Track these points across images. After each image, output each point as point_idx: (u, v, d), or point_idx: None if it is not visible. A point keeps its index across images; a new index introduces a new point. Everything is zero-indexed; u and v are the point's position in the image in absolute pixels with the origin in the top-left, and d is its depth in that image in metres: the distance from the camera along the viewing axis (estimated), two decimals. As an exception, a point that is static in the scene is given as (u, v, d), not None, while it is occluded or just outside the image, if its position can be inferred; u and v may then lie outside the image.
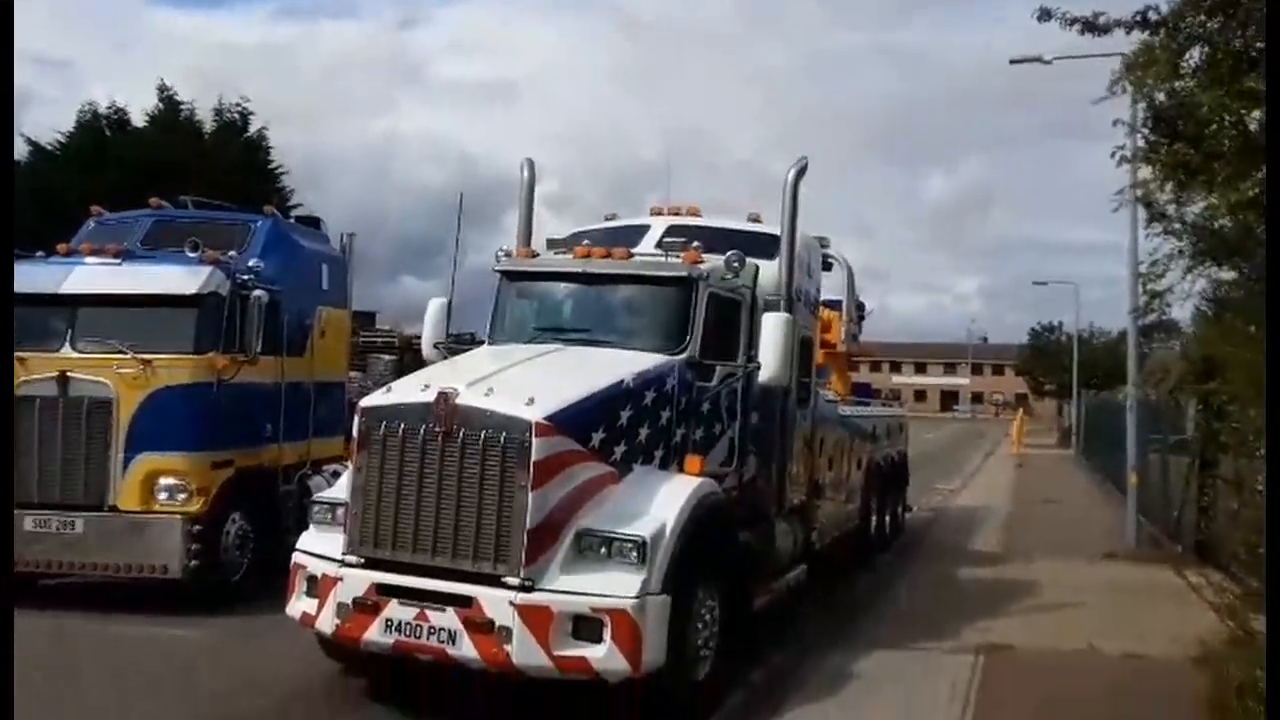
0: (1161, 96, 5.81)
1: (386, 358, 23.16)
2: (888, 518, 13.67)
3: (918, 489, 16.90)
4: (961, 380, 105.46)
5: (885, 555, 12.90)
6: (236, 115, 28.52)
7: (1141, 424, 14.70)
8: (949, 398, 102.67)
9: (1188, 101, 5.61)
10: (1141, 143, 6.20)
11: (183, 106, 27.89)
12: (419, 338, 8.67)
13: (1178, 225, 6.21)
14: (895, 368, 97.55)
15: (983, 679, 7.26)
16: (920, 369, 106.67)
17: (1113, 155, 6.66)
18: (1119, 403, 21.12)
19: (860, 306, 13.98)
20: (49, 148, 26.31)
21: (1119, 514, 15.91)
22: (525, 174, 9.22)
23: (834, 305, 12.46)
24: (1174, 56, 5.59)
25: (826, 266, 10.80)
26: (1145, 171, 6.29)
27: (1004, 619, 9.23)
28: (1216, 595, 9.54)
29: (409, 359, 19.53)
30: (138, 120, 27.49)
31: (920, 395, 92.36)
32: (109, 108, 27.37)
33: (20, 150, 26.18)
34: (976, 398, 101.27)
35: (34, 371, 8.90)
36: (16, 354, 8.88)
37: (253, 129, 28.77)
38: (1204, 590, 10.33)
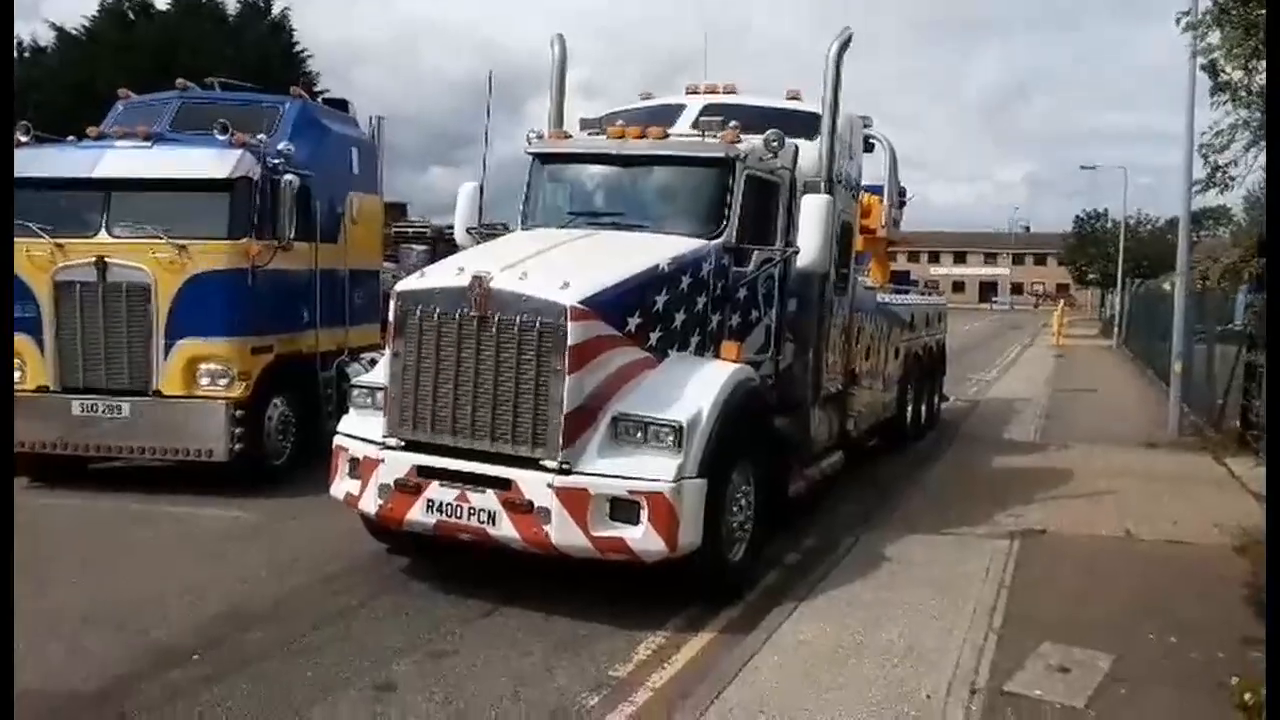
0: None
1: (419, 248, 23.15)
2: (924, 407, 13.62)
3: (954, 380, 16.78)
4: (1002, 270, 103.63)
5: (921, 444, 12.89)
6: (259, -1, 27.91)
7: (1187, 313, 14.37)
8: (988, 288, 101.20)
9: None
10: (1209, 3, 5.79)
11: (206, -12, 27.30)
12: (450, 228, 8.56)
13: (1244, 94, 5.84)
14: (934, 258, 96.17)
15: (1017, 562, 7.29)
16: (959, 259, 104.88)
17: (1178, 21, 6.25)
18: (1164, 292, 20.65)
19: (902, 192, 13.59)
20: (75, 33, 26.00)
21: (1161, 404, 15.73)
22: (556, 50, 8.91)
23: (875, 190, 12.13)
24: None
25: (868, 148, 10.45)
26: (1213, 37, 5.89)
27: (1039, 505, 9.22)
28: (1258, 484, 9.46)
29: (441, 249, 19.50)
30: (161, 4, 27.00)
31: (959, 286, 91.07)
32: (132, -10, 26.86)
33: (47, 36, 25.97)
34: (1016, 289, 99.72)
35: (72, 257, 8.95)
36: (54, 240, 8.95)
37: (275, 10, 28.17)
38: (1245, 478, 10.24)
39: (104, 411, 9.00)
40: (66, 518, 8.41)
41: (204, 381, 9.03)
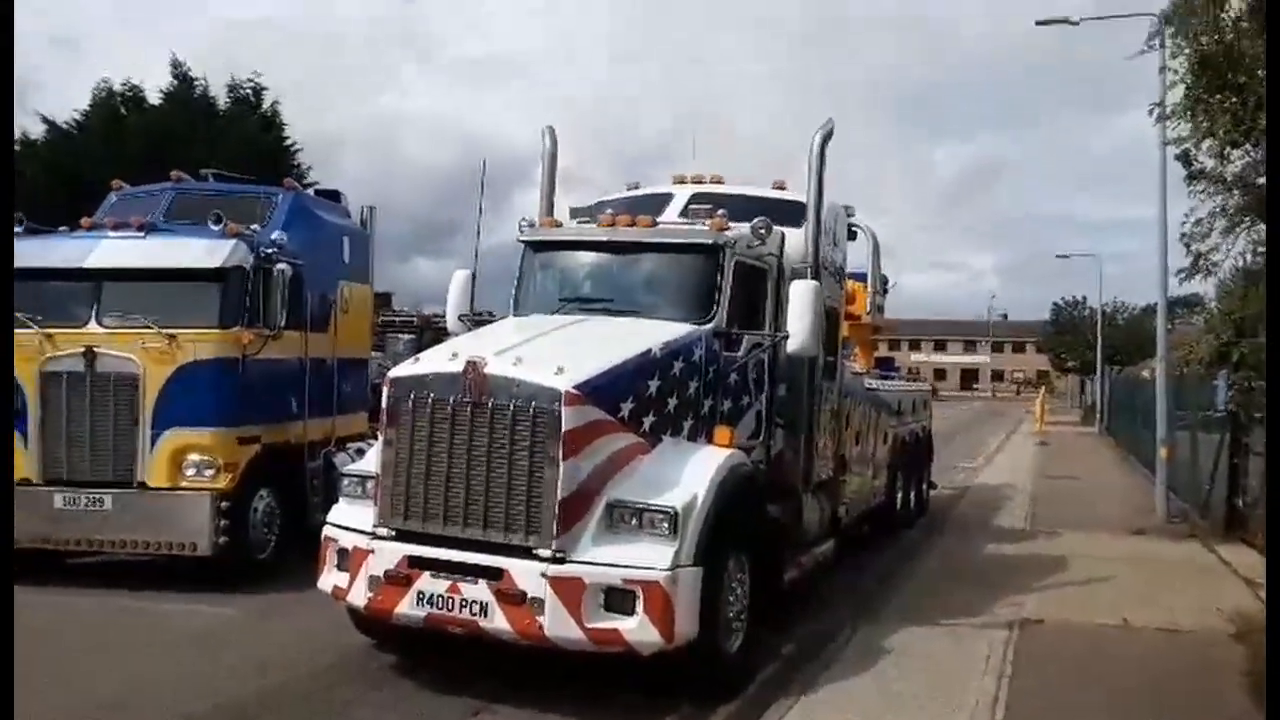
0: (1205, 43, 5.63)
1: (405, 337, 23.19)
2: (913, 494, 13.58)
3: (940, 468, 16.77)
4: (981, 358, 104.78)
5: (911, 531, 12.81)
6: (250, 91, 28.52)
7: (1168, 400, 14.51)
8: (969, 376, 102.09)
9: (1233, 49, 5.44)
10: (1179, 97, 6.02)
11: (196, 82, 27.90)
12: (437, 317, 8.61)
13: (1219, 183, 6.04)
14: (915, 345, 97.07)
15: (1016, 652, 7.18)
16: (940, 346, 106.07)
17: (1150, 111, 6.50)
18: (1144, 379, 20.89)
19: (885, 279, 13.81)
20: (66, 126, 26.38)
21: (1146, 490, 15.75)
22: (546, 142, 9.10)
23: (859, 277, 12.32)
24: (1216, 7, 5.43)
25: (851, 236, 10.64)
26: (1183, 129, 6.12)
27: (1034, 593, 9.12)
28: (1249, 570, 9.44)
29: (428, 338, 19.56)
30: (153, 98, 27.52)
31: (940, 373, 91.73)
32: (124, 84, 27.41)
33: (37, 130, 26.33)
34: (997, 375, 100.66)
35: (61, 347, 8.91)
36: (43, 329, 8.92)
37: (266, 104, 28.76)
38: (1236, 565, 10.21)
39: (86, 504, 8.83)
40: (43, 615, 8.14)
41: (189, 472, 8.90)
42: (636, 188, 9.47)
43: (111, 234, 9.47)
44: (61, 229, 9.72)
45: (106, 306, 9.08)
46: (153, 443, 8.84)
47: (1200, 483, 13.80)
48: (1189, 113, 5.84)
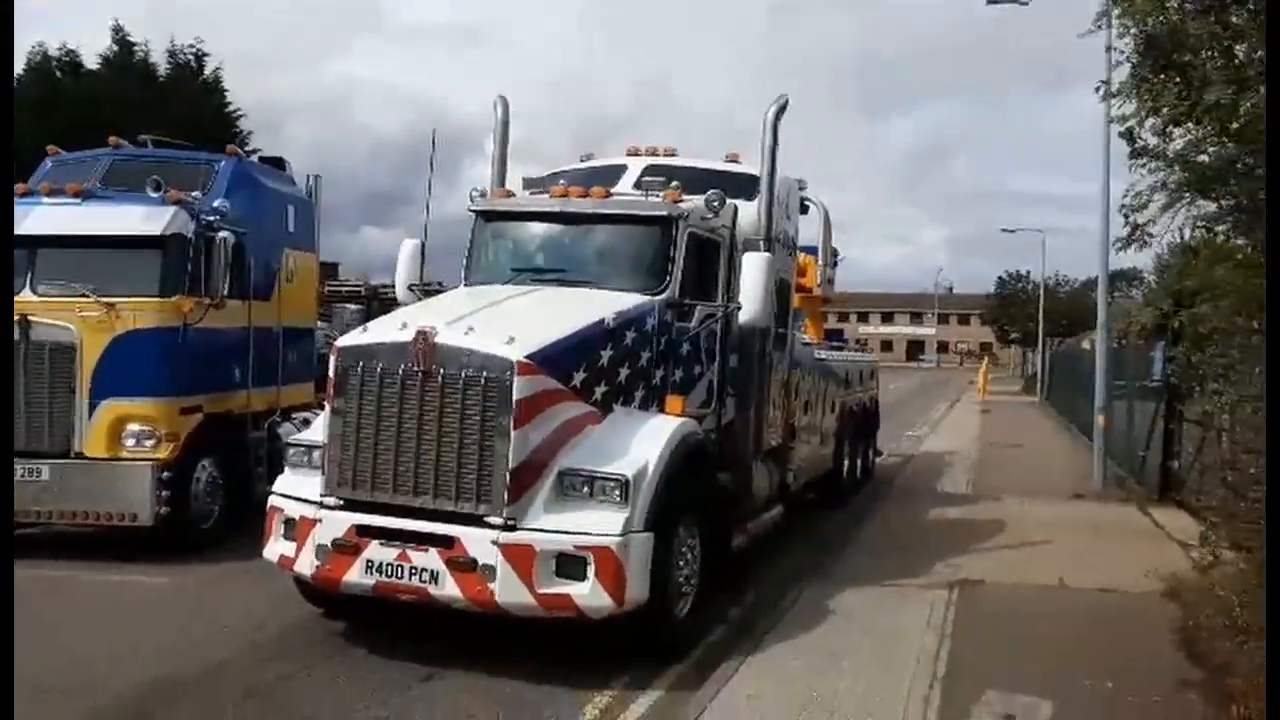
0: (1151, 24, 5.76)
1: (353, 307, 22.92)
2: (860, 461, 13.82)
3: (886, 435, 17.08)
4: (928, 330, 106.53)
5: (857, 497, 13.04)
6: (191, 57, 27.73)
7: (1107, 370, 14.89)
8: (915, 347, 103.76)
9: (1179, 29, 5.57)
10: (1125, 76, 6.17)
11: (136, 48, 27.05)
12: (385, 287, 8.52)
13: (1160, 159, 6.21)
14: (863, 317, 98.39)
15: (956, 612, 7.38)
16: (887, 318, 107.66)
17: (1097, 89, 6.63)
18: (1083, 350, 21.42)
19: (835, 252, 13.94)
20: (-3, 90, 25.43)
21: (1084, 457, 16.20)
22: (499, 112, 9.02)
23: (810, 250, 12.42)
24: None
25: (803, 209, 10.73)
26: (1128, 107, 6.27)
27: (975, 556, 9.37)
28: (1181, 533, 9.79)
29: (376, 308, 19.32)
30: (90, 63, 26.64)
31: (887, 345, 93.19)
32: (60, 49, 26.46)
33: (-33, 94, 25.33)
34: (942, 347, 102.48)
35: (-7, 315, 8.63)
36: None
37: (208, 71, 28.01)
38: (1170, 528, 10.57)
39: (23, 475, 8.60)
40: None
41: (129, 443, 8.72)
42: (590, 159, 9.43)
43: (46, 200, 9.18)
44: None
45: (41, 274, 8.82)
46: (90, 412, 8.65)
47: (1136, 449, 14.25)
48: (1134, 91, 5.97)
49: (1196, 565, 7.81)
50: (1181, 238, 8.70)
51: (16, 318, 8.59)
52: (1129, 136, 6.31)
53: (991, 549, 9.84)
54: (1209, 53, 5.51)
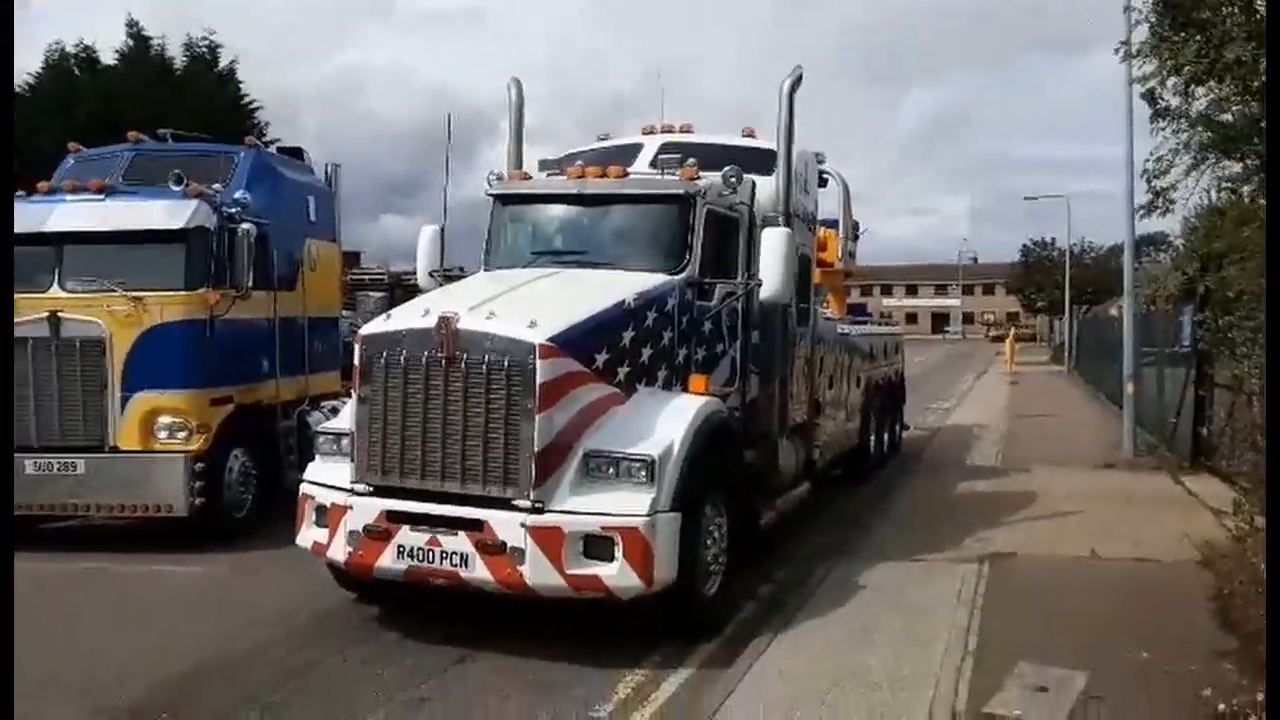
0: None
1: (376, 295, 22.98)
2: (886, 436, 13.76)
3: (913, 409, 16.97)
4: (952, 301, 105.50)
5: (884, 472, 13.00)
6: (205, 50, 27.83)
7: (1135, 336, 14.72)
8: (940, 319, 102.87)
9: (1197, -14, 5.46)
10: (1145, 35, 6.04)
11: (152, 42, 27.19)
12: (407, 274, 8.56)
13: (1183, 120, 6.09)
14: (886, 290, 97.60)
15: (987, 585, 7.35)
16: (911, 291, 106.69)
17: (1116, 50, 6.52)
18: (1111, 318, 21.16)
19: (856, 225, 13.83)
20: (18, 89, 25.64)
21: (1114, 426, 16.03)
22: (513, 95, 8.99)
23: (830, 224, 12.33)
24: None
25: (822, 183, 10.64)
26: (1148, 67, 6.14)
27: (1005, 529, 9.32)
28: (1214, 500, 9.68)
29: (399, 295, 19.39)
30: (107, 58, 26.81)
31: (911, 317, 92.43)
32: (77, 46, 26.66)
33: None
34: (968, 318, 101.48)
35: (24, 312, 8.75)
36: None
37: (223, 63, 28.11)
38: (1202, 495, 10.46)
39: (59, 469, 8.77)
40: (17, 582, 8.11)
41: (162, 435, 8.85)
42: (606, 139, 9.39)
43: (70, 197, 9.28)
44: (18, 194, 9.49)
45: (69, 271, 8.94)
46: (123, 406, 8.78)
47: (1166, 416, 14.08)
48: (1154, 51, 5.85)
49: (1230, 533, 7.72)
50: (1208, 199, 8.55)
51: (46, 314, 8.72)
52: (1150, 97, 6.20)
53: (1021, 521, 9.78)
54: (1229, 9, 5.39)
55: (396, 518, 6.15)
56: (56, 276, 8.91)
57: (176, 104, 23.19)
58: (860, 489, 11.74)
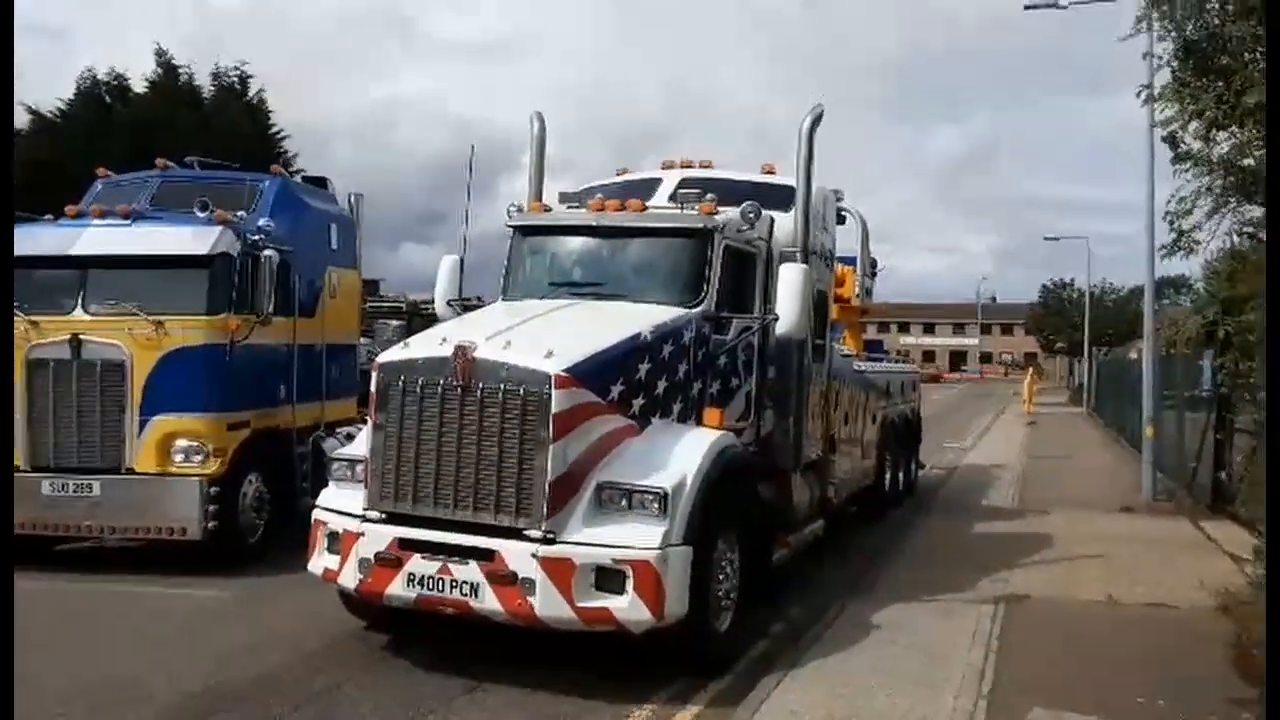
0: (1190, 29, 5.68)
1: (394, 323, 23.14)
2: (902, 474, 13.66)
3: (929, 448, 16.87)
4: (970, 340, 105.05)
5: (899, 511, 12.90)
6: (235, 79, 28.33)
7: (1155, 379, 14.61)
8: (957, 358, 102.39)
9: (1218, 34, 5.49)
10: (1167, 79, 6.07)
11: (181, 71, 27.70)
12: (425, 303, 8.63)
13: (1204, 164, 6.10)
14: (904, 328, 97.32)
15: (1002, 628, 7.25)
16: (929, 329, 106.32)
17: (1138, 94, 6.55)
18: (1131, 359, 21.01)
19: (873, 263, 13.87)
20: (50, 116, 26.15)
21: (1133, 469, 15.87)
22: (535, 127, 9.09)
23: (848, 261, 12.36)
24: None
25: (840, 220, 10.68)
26: (1169, 111, 6.17)
27: (1021, 570, 9.22)
28: (1234, 545, 9.54)
29: (417, 324, 19.52)
30: (138, 87, 27.31)
31: (929, 356, 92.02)
32: (108, 74, 27.19)
33: (21, 119, 26.09)
34: (985, 358, 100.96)
35: (46, 334, 8.88)
36: (28, 317, 8.89)
37: (251, 93, 28.59)
38: (1222, 541, 10.32)
39: (74, 490, 8.83)
40: (33, 602, 8.15)
41: (178, 458, 8.91)
42: (625, 173, 9.47)
43: (97, 222, 9.43)
44: (46, 217, 9.66)
45: (92, 294, 9.06)
46: (141, 429, 8.85)
47: (1186, 461, 13.93)
48: (1175, 95, 5.88)
49: (1249, 579, 7.61)
50: (1230, 243, 8.53)
51: (68, 337, 8.84)
52: (1171, 141, 6.22)
53: (1038, 563, 9.67)
54: (1250, 55, 5.42)
55: (408, 545, 6.15)
56: (80, 300, 9.03)
57: (205, 132, 23.60)
58: (875, 527, 11.65)
